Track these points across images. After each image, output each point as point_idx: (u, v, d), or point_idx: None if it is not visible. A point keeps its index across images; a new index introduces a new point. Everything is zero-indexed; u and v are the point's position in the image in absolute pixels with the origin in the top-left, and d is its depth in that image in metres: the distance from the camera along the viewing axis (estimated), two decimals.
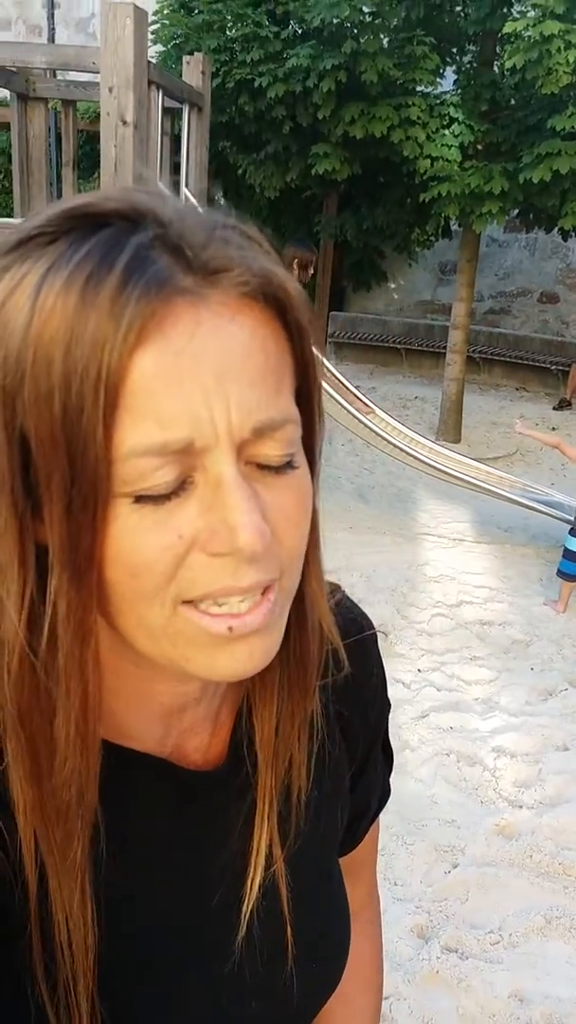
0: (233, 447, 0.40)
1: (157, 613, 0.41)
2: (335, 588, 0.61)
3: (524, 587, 4.63)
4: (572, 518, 4.38)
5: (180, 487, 0.40)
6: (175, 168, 5.37)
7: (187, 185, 5.24)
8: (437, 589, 4.51)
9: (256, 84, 6.11)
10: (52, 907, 0.46)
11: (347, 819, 0.65)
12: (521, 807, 2.83)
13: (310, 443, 0.46)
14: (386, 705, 0.68)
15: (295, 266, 5.30)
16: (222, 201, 9.50)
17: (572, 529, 4.37)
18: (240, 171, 7.06)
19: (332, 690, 0.59)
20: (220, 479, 0.40)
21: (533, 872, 2.52)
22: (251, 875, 0.54)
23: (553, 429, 8.04)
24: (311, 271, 5.40)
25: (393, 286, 11.26)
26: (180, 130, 5.26)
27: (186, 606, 0.42)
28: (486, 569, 4.83)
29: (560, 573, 4.39)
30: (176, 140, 5.49)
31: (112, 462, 0.38)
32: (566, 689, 3.58)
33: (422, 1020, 2.01)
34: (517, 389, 9.60)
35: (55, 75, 5.67)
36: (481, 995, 2.08)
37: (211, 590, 0.41)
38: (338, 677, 0.58)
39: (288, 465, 0.43)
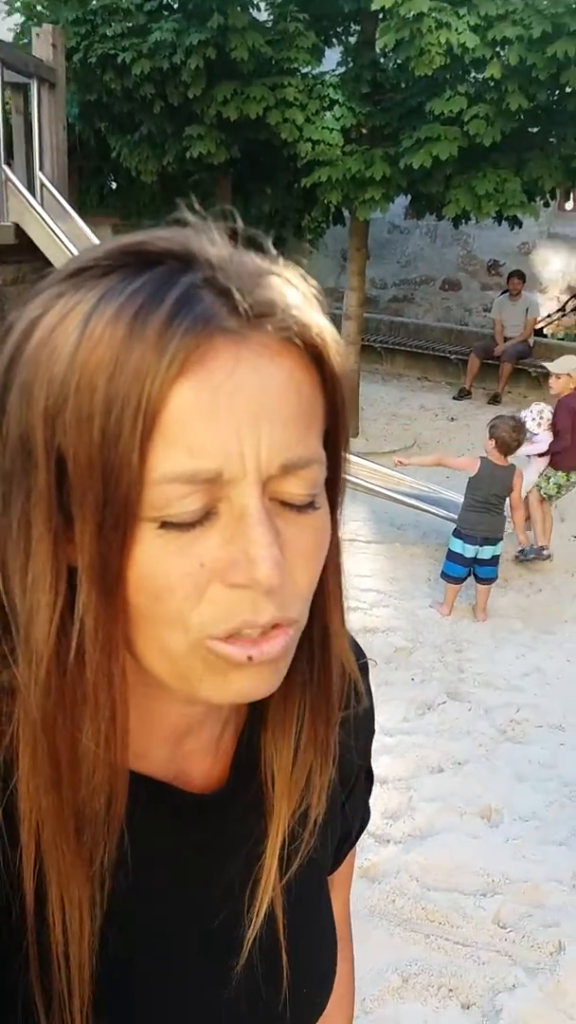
0: (260, 482, 0.41)
1: (179, 640, 0.42)
2: None
3: (412, 589, 4.45)
4: (456, 517, 4.21)
5: (205, 516, 0.41)
6: (29, 151, 4.95)
7: (41, 168, 4.84)
8: None
9: (120, 60, 5.71)
10: (51, 922, 0.46)
11: (335, 844, 0.66)
12: (388, 842, 2.61)
13: (333, 486, 0.48)
14: (372, 732, 0.69)
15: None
16: (113, 185, 9.07)
17: (455, 530, 4.20)
18: (115, 154, 6.66)
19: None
20: (244, 511, 0.41)
21: (393, 921, 2.30)
22: (258, 903, 0.55)
23: (452, 419, 7.95)
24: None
25: None
26: (31, 109, 4.85)
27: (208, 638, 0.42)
28: (375, 571, 4.64)
29: (444, 576, 4.22)
30: (30, 120, 5.07)
31: (143, 487, 0.39)
32: (444, 702, 3.40)
33: None
34: (419, 379, 9.48)
35: None
36: None
37: (233, 625, 0.42)
38: (357, 708, 0.60)
39: (310, 505, 0.44)
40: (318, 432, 0.44)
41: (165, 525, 0.40)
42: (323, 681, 0.52)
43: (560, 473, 4.79)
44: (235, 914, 0.55)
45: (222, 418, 0.39)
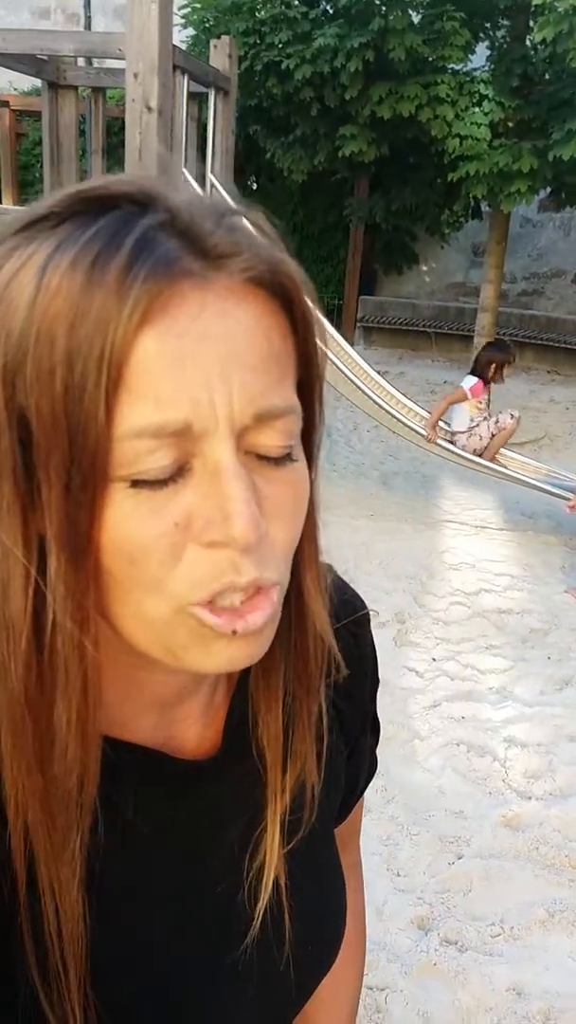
0: (233, 433, 0.40)
1: (157, 602, 0.41)
2: (327, 568, 0.60)
3: (546, 575, 4.57)
4: None
5: (178, 473, 0.39)
6: (202, 154, 5.35)
7: (213, 171, 5.22)
8: (456, 577, 4.48)
9: (284, 66, 6.04)
10: (42, 897, 0.45)
11: (339, 799, 0.66)
12: (530, 798, 2.81)
13: (309, 437, 0.46)
14: (376, 683, 0.68)
15: (494, 368, 5.14)
16: (254, 186, 9.44)
17: None
18: (269, 155, 7.00)
19: (331, 684, 0.59)
20: (218, 466, 0.39)
21: (538, 864, 2.51)
22: (266, 875, 0.54)
23: None
24: (510, 367, 5.18)
25: (425, 269, 11.12)
26: (206, 115, 5.24)
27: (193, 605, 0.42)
28: (507, 557, 4.78)
29: None
30: (203, 125, 5.47)
31: (110, 443, 0.38)
32: None
33: (417, 1012, 2.01)
34: (548, 372, 9.43)
35: (91, 63, 5.66)
36: (478, 988, 2.08)
37: (214, 588, 0.41)
38: (337, 677, 0.58)
39: (287, 457, 0.43)
40: (291, 380, 0.43)
41: (136, 484, 0.39)
42: (302, 649, 0.51)
43: None
44: (236, 880, 0.55)
45: (189, 366, 0.38)
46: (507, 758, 2.99)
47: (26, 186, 9.47)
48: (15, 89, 9.14)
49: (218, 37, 5.25)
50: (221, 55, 5.07)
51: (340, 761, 0.64)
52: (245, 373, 0.39)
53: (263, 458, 0.42)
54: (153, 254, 0.38)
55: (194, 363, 0.38)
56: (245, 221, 0.42)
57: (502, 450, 5.29)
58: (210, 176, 5.07)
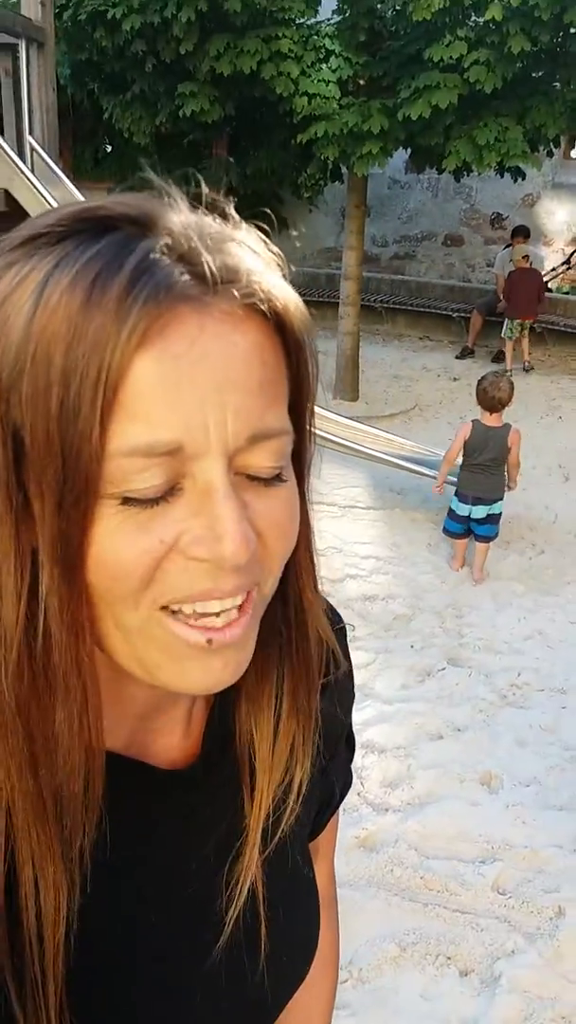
0: (225, 455, 0.40)
1: (133, 616, 0.42)
2: None
3: (412, 554, 4.42)
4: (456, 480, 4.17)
5: (168, 492, 0.40)
6: (19, 114, 4.83)
7: (31, 132, 4.72)
8: (322, 563, 4.15)
9: (110, 16, 5.54)
10: (22, 902, 0.45)
11: (315, 811, 0.66)
12: (386, 811, 2.62)
13: (299, 458, 0.47)
14: (353, 697, 0.69)
15: None
16: (108, 148, 8.86)
17: (456, 491, 4.17)
18: (107, 115, 6.50)
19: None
20: (209, 487, 0.40)
21: (391, 891, 2.32)
22: (241, 878, 0.54)
23: (455, 380, 7.85)
24: None
25: (295, 234, 10.82)
26: (20, 71, 4.72)
27: (164, 612, 0.42)
28: (374, 538, 4.61)
29: (446, 531, 4.21)
30: (19, 82, 4.94)
31: (103, 461, 0.38)
32: (444, 668, 3.39)
33: None
34: (421, 339, 9.36)
35: None
36: None
37: (191, 593, 0.41)
38: (337, 673, 0.60)
39: (277, 478, 0.43)
40: (284, 402, 0.44)
41: (127, 501, 0.39)
42: (301, 650, 0.52)
43: (515, 321, 7.21)
44: (213, 887, 0.55)
45: (185, 390, 0.38)
46: (364, 767, 2.80)
47: None
48: None
49: None
50: (33, 2, 4.56)
51: (319, 771, 0.63)
52: (240, 396, 0.40)
53: (254, 478, 0.42)
54: (153, 277, 0.38)
55: (190, 386, 0.39)
56: (245, 246, 0.43)
57: (370, 429, 5.09)
58: (29, 139, 4.58)
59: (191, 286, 0.39)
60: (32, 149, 4.65)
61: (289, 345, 0.43)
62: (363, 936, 2.18)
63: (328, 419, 5.00)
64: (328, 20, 6.21)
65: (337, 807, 0.72)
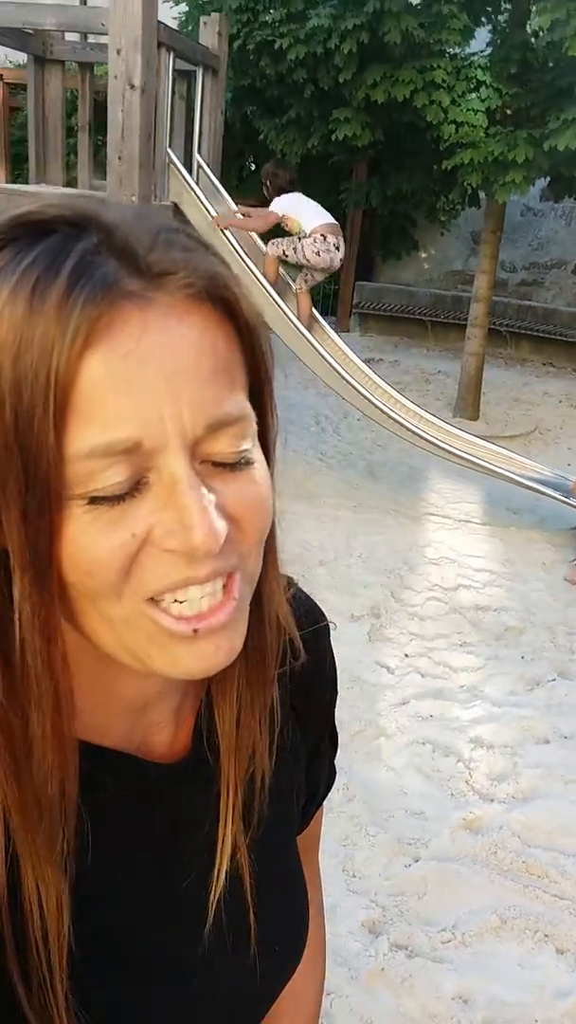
0: (185, 447, 0.40)
1: (118, 608, 0.42)
2: (289, 581, 0.63)
3: (526, 572, 4.53)
4: None
5: (135, 487, 0.40)
6: (189, 134, 5.25)
7: (199, 151, 5.13)
8: (435, 572, 4.44)
9: (277, 46, 5.92)
10: (26, 903, 0.46)
11: (301, 804, 0.68)
12: (492, 801, 2.79)
13: (265, 439, 0.47)
14: (335, 693, 0.70)
15: (266, 181, 5.09)
16: (252, 167, 9.31)
17: None
18: (263, 137, 6.89)
19: (289, 681, 0.60)
20: (173, 479, 0.40)
21: (495, 869, 2.49)
22: (217, 864, 0.55)
23: None
24: (276, 185, 5.03)
25: (424, 255, 11.00)
26: (195, 94, 5.13)
27: (149, 603, 0.42)
28: (488, 552, 4.75)
29: None
30: (191, 105, 5.36)
31: (63, 465, 0.38)
32: (554, 680, 3.51)
33: (360, 1019, 1.99)
34: (544, 364, 9.36)
35: (86, 38, 5.52)
36: (424, 995, 2.06)
37: (170, 582, 0.42)
38: (295, 667, 0.59)
39: (243, 461, 0.43)
40: (241, 386, 0.44)
41: (94, 500, 0.40)
42: (258, 642, 0.52)
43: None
44: (202, 877, 0.56)
45: (135, 386, 0.39)
46: (472, 759, 2.96)
47: (20, 162, 9.31)
48: (10, 62, 8.96)
49: (210, 14, 5.14)
50: (211, 32, 4.97)
51: (301, 763, 0.66)
52: (193, 387, 0.40)
53: (219, 464, 0.43)
54: (92, 278, 0.38)
55: (140, 382, 0.39)
56: (183, 236, 0.43)
57: (492, 446, 5.23)
58: (197, 157, 4.98)
59: (131, 283, 0.39)
60: (199, 167, 5.04)
61: (240, 330, 0.44)
62: (467, 905, 2.36)
63: (450, 433, 5.18)
64: (481, 52, 6.41)
65: (320, 803, 0.74)
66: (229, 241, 4.79)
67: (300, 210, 5.00)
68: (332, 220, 5.10)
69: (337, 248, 5.03)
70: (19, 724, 0.43)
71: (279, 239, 5.09)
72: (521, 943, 2.26)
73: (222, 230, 4.76)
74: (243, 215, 5.06)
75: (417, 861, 2.50)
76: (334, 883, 2.39)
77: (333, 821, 2.60)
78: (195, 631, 0.43)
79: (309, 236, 4.97)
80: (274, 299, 4.85)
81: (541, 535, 4.98)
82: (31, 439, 0.38)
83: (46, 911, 0.46)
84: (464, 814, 2.69)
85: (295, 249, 5.03)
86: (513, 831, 2.63)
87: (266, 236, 5.18)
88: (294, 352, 5.08)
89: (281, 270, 5.29)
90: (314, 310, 5.33)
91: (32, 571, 0.40)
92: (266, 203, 5.03)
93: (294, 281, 5.25)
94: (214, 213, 4.70)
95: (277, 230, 5.04)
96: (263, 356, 0.46)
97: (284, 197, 4.98)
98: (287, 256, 5.08)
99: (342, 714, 3.21)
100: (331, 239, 5.01)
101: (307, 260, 5.02)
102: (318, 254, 4.99)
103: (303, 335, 4.91)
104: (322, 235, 4.97)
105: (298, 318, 5.03)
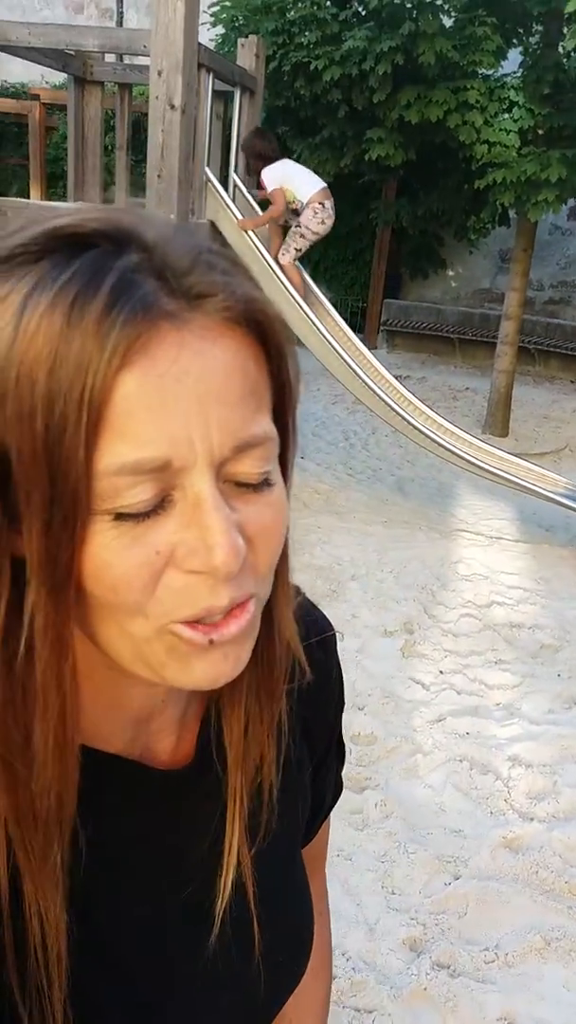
0: (212, 467, 0.41)
1: (140, 624, 0.42)
2: (297, 590, 0.63)
3: (560, 590, 4.50)
4: None
5: (160, 505, 0.41)
6: (226, 153, 5.32)
7: (236, 171, 5.20)
8: (468, 588, 4.42)
9: (312, 67, 6.01)
10: (27, 911, 0.46)
11: (306, 815, 0.67)
12: (532, 820, 2.75)
13: (284, 459, 0.48)
14: (341, 705, 0.70)
15: (249, 153, 5.06)
16: None
17: None
18: (296, 156, 6.97)
19: (297, 692, 0.60)
20: (198, 498, 0.41)
21: (537, 889, 2.46)
22: (224, 874, 0.55)
23: None
24: (261, 155, 4.99)
25: (452, 274, 11.04)
26: (232, 114, 5.22)
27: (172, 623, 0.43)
28: (521, 569, 4.72)
29: None
30: (228, 125, 5.44)
31: (91, 480, 0.39)
32: None
33: None
34: (573, 382, 9.33)
35: (122, 59, 5.65)
36: (468, 1016, 2.04)
37: (195, 612, 0.42)
38: (302, 681, 0.59)
39: (265, 483, 0.44)
40: (267, 408, 0.44)
41: (119, 517, 0.40)
42: (268, 656, 0.52)
43: None
44: (206, 886, 0.56)
45: (169, 407, 0.39)
46: (511, 777, 2.94)
47: (55, 180, 9.49)
48: (47, 83, 9.16)
49: (247, 36, 5.22)
50: (248, 54, 5.05)
51: (306, 775, 0.66)
52: (223, 409, 0.41)
53: (242, 485, 0.43)
54: (132, 297, 0.38)
55: (174, 402, 0.39)
56: (221, 259, 0.43)
57: (523, 462, 5.22)
58: (233, 176, 5.05)
59: (169, 303, 0.39)
60: (235, 185, 5.11)
61: (271, 353, 0.44)
62: (509, 924, 2.33)
63: (481, 449, 5.17)
64: (514, 73, 6.45)
65: (327, 815, 0.74)
66: (254, 243, 4.82)
67: (291, 178, 5.00)
68: (323, 184, 5.10)
69: (332, 209, 5.06)
70: (20, 735, 0.43)
71: (286, 244, 5.11)
72: (567, 965, 2.23)
73: (247, 232, 4.80)
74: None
75: (457, 879, 2.48)
76: (374, 899, 2.38)
77: (370, 837, 2.59)
78: (211, 641, 0.43)
79: (307, 207, 4.96)
80: (299, 304, 4.87)
81: (574, 552, 4.94)
82: (60, 453, 0.38)
83: (44, 919, 0.46)
84: (504, 832, 2.66)
85: (302, 235, 5.04)
86: (555, 851, 2.59)
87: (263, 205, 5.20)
88: (331, 372, 5.11)
89: (309, 281, 5.31)
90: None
91: (49, 584, 0.40)
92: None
93: (283, 252, 5.16)
94: (239, 217, 4.76)
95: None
96: (290, 378, 0.46)
97: (273, 167, 4.96)
98: (300, 249, 5.08)
99: (377, 729, 3.20)
100: (327, 204, 5.03)
101: (315, 233, 5.03)
102: (322, 223, 5.01)
103: (337, 351, 4.93)
104: (319, 203, 4.99)
105: (296, 290, 5.04)
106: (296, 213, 5.05)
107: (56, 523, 0.39)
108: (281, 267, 5.10)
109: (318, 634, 0.64)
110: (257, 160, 5.00)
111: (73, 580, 0.40)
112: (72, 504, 0.39)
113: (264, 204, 5.18)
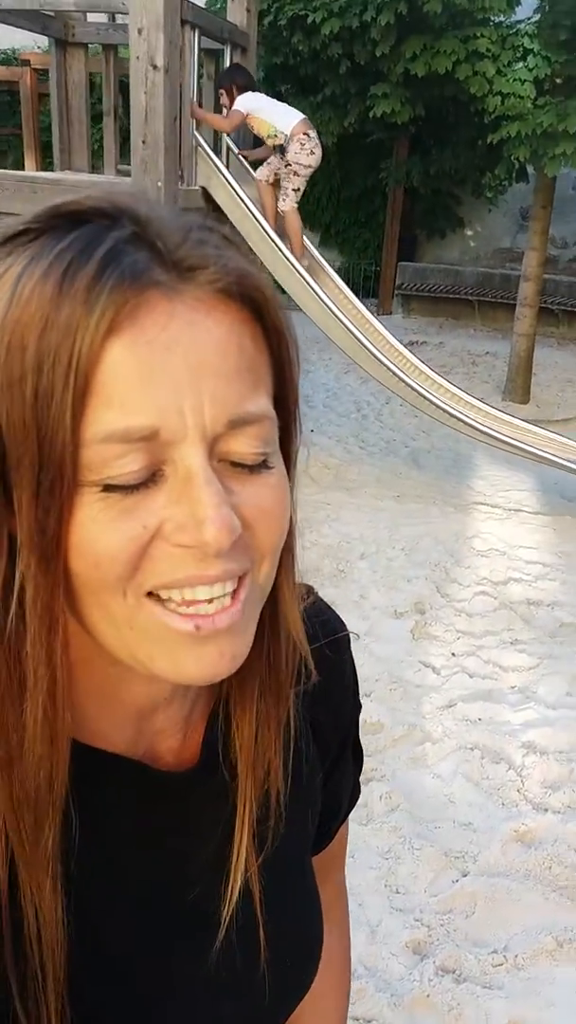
0: (204, 441, 0.40)
1: (120, 603, 0.41)
2: (309, 590, 0.62)
3: None
4: None
5: (150, 479, 0.40)
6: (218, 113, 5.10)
7: (228, 134, 4.98)
8: (484, 564, 4.26)
9: (310, 20, 5.74)
10: (22, 900, 0.45)
11: (319, 819, 0.66)
12: (546, 811, 2.63)
13: (287, 447, 0.47)
14: (357, 707, 0.69)
15: (223, 92, 4.80)
16: None
17: None
18: None
19: (305, 695, 0.59)
20: (189, 472, 0.40)
21: (550, 886, 2.34)
22: (232, 879, 0.54)
23: None
24: (237, 86, 4.70)
25: (470, 233, 10.68)
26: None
27: (151, 599, 0.42)
28: (540, 543, 4.54)
29: None
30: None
31: (79, 448, 0.38)
32: None
33: None
34: None
35: (114, 19, 5.42)
36: None
37: (176, 578, 0.41)
38: (309, 683, 0.58)
39: (263, 464, 0.43)
40: (266, 389, 0.44)
41: (108, 488, 0.39)
42: (273, 655, 0.52)
43: None
44: (210, 890, 0.55)
45: (157, 375, 0.39)
46: (524, 766, 2.80)
47: (49, 149, 9.23)
48: (39, 48, 8.84)
49: None
50: (239, 9, 4.81)
51: (317, 780, 0.64)
52: (217, 382, 0.40)
53: (238, 465, 0.42)
54: (121, 264, 0.39)
55: (162, 371, 0.39)
56: (216, 234, 0.43)
57: (542, 431, 5.01)
58: (226, 139, 4.84)
59: (160, 273, 0.40)
60: (228, 149, 4.90)
61: (268, 332, 0.44)
62: (519, 924, 2.22)
63: (497, 418, 4.97)
64: (528, 19, 6.12)
65: (344, 820, 0.72)
66: (248, 209, 4.59)
67: (266, 108, 4.72)
68: (303, 115, 4.83)
69: (317, 138, 4.81)
70: (12, 712, 0.42)
71: (283, 189, 4.86)
72: None
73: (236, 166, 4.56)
74: (243, 156, 4.91)
75: (465, 876, 2.36)
76: (376, 899, 2.27)
77: (375, 832, 2.48)
78: (197, 627, 0.42)
79: (292, 141, 4.69)
80: (296, 268, 4.66)
81: None
82: (48, 418, 0.38)
83: (39, 908, 0.45)
84: (516, 825, 2.53)
85: (295, 173, 4.77)
86: (570, 844, 2.47)
87: (254, 165, 4.99)
88: (334, 341, 4.93)
89: (309, 246, 5.08)
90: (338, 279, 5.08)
91: (39, 553, 0.40)
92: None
93: (283, 199, 4.90)
94: (244, 198, 4.55)
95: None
96: (290, 363, 0.45)
97: (246, 95, 4.68)
98: (298, 188, 4.82)
99: (383, 717, 3.08)
100: (312, 133, 4.77)
101: (306, 166, 4.76)
102: (311, 152, 4.74)
103: (339, 318, 4.73)
104: (304, 133, 4.71)
105: (291, 249, 4.79)
106: (281, 150, 4.79)
107: (44, 491, 0.39)
108: (284, 215, 4.85)
109: (330, 635, 0.62)
110: (232, 89, 4.69)
111: (62, 551, 0.40)
112: (59, 471, 0.38)
113: (256, 166, 4.97)
